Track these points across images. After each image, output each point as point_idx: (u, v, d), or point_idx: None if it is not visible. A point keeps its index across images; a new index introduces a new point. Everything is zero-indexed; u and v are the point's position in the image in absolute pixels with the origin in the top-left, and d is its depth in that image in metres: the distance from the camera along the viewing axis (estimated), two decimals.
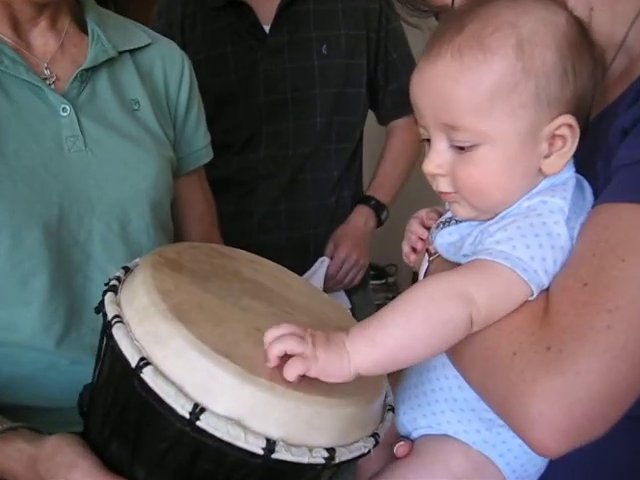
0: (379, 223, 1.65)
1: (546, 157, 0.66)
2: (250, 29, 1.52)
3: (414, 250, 0.85)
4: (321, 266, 1.57)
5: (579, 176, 0.68)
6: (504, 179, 0.66)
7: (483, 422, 0.73)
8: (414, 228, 0.84)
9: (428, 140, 0.70)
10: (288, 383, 0.59)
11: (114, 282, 0.70)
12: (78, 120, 0.94)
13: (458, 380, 0.72)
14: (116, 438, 0.67)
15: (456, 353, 0.67)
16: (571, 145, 0.65)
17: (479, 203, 0.68)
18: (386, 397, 0.72)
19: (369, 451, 0.65)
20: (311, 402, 0.60)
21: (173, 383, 0.58)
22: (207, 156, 1.19)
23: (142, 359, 0.59)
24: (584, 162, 0.68)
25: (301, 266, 1.57)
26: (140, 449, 0.64)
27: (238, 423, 0.58)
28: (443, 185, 0.69)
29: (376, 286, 2.79)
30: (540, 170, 0.66)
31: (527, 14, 0.64)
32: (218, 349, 0.59)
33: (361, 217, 1.63)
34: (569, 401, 0.56)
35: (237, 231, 1.40)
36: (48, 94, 0.93)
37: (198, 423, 0.57)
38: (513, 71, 0.63)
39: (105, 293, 0.68)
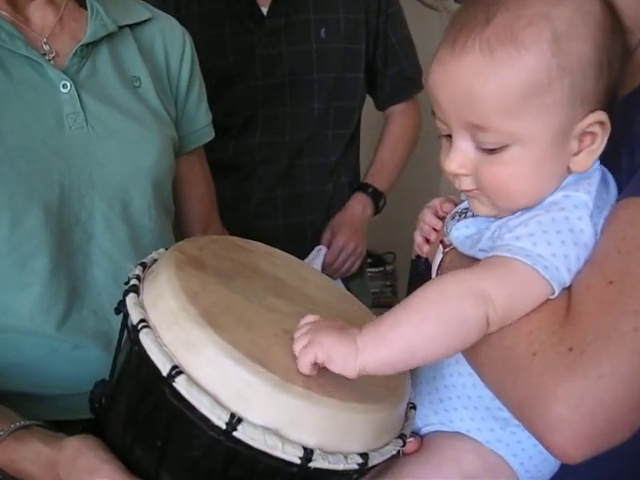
0: (376, 211, 1.64)
1: (575, 155, 0.63)
2: (247, 10, 1.49)
3: (427, 241, 0.82)
4: (318, 255, 1.55)
5: (604, 168, 0.66)
6: (533, 180, 0.63)
7: (497, 421, 0.71)
8: (427, 218, 0.81)
9: (447, 136, 0.66)
10: (323, 389, 0.58)
11: (134, 281, 0.67)
12: (79, 96, 0.92)
13: (472, 377, 0.70)
14: (140, 443, 0.65)
15: (472, 351, 0.65)
16: (601, 142, 0.62)
17: (504, 203, 0.65)
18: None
19: (398, 452, 0.65)
20: (346, 409, 0.59)
21: (207, 392, 0.57)
22: (208, 135, 1.17)
23: (174, 367, 0.58)
24: (605, 151, 0.65)
25: (298, 253, 1.55)
26: (168, 455, 0.62)
27: (275, 432, 0.57)
28: (466, 184, 0.66)
29: (374, 274, 2.79)
30: (568, 168, 0.63)
31: (561, 3, 0.60)
32: (252, 356, 0.58)
33: (358, 205, 1.61)
34: (591, 405, 0.54)
35: (234, 217, 1.38)
36: (48, 70, 0.91)
37: (235, 433, 0.56)
38: (548, 69, 0.59)
39: (127, 293, 0.66)
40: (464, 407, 0.74)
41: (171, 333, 0.60)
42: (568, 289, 0.61)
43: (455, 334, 0.60)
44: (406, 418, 0.68)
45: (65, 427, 0.87)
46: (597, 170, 0.65)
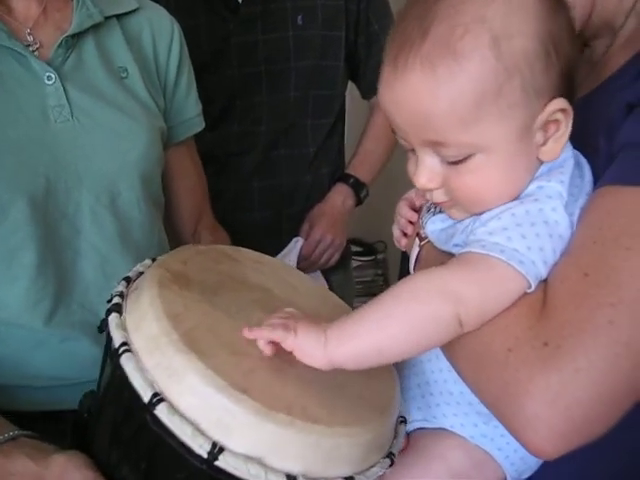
0: (358, 202, 1.61)
1: (542, 145, 0.62)
2: None
3: (405, 234, 0.81)
4: (295, 247, 1.53)
5: (577, 153, 0.65)
6: (504, 182, 0.62)
7: (481, 416, 0.71)
8: (403, 211, 0.81)
9: (413, 150, 0.65)
10: (306, 415, 0.58)
11: (117, 299, 0.66)
12: (64, 89, 0.90)
13: (453, 373, 0.69)
14: (126, 463, 0.64)
15: (448, 347, 0.64)
16: (566, 128, 0.61)
17: (477, 209, 0.64)
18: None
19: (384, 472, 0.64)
20: (330, 435, 0.58)
21: (189, 421, 0.56)
22: (198, 125, 1.16)
23: (155, 395, 0.57)
24: (583, 135, 0.65)
25: (275, 245, 1.54)
26: (153, 478, 0.61)
27: (258, 461, 0.56)
28: (438, 196, 0.65)
29: (365, 263, 2.81)
30: (538, 159, 0.63)
31: (493, 2, 0.58)
32: (235, 383, 0.57)
33: (339, 196, 1.58)
34: (567, 401, 0.54)
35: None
36: (32, 61, 0.89)
37: (217, 463, 0.55)
38: (495, 73, 0.57)
39: (109, 313, 0.65)
40: (446, 403, 0.73)
41: (153, 358, 0.59)
42: (544, 282, 0.60)
43: (422, 333, 0.60)
44: (395, 434, 0.67)
45: (54, 417, 0.89)
46: (570, 158, 0.64)
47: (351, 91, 1.66)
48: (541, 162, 0.63)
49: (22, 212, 0.85)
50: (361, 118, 1.68)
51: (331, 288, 1.60)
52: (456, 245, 0.65)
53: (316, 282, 0.90)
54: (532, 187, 0.62)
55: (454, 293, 0.59)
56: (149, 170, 0.99)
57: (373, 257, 2.85)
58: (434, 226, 0.70)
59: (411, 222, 0.80)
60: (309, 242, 1.54)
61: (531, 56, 0.58)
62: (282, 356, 0.63)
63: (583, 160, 0.65)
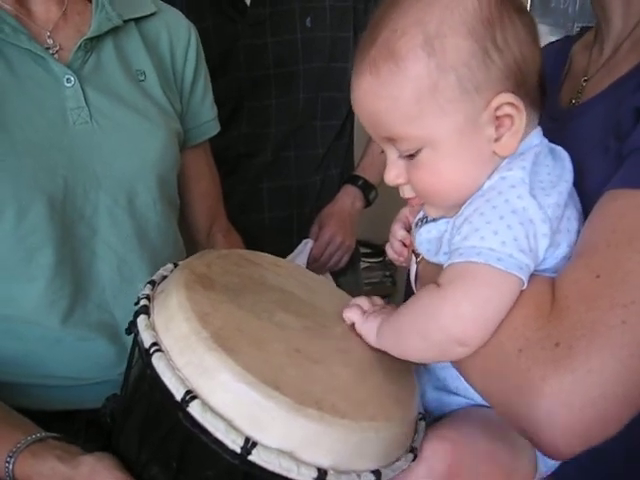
0: (367, 203, 1.61)
1: (497, 140, 0.64)
2: (231, 1, 1.46)
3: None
4: (304, 248, 1.53)
5: (553, 145, 0.67)
6: (455, 175, 0.65)
7: None
8: (397, 233, 0.82)
9: None
10: (335, 410, 0.59)
11: (144, 301, 0.67)
12: (83, 91, 0.92)
13: None
14: (155, 463, 0.65)
15: None
16: (520, 122, 0.63)
17: (440, 203, 0.68)
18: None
19: (408, 465, 0.65)
20: (358, 429, 0.59)
21: (222, 417, 0.57)
22: (214, 129, 1.17)
23: (188, 392, 0.57)
24: (593, 134, 0.67)
25: (285, 246, 1.55)
26: (183, 476, 0.62)
27: (290, 455, 0.57)
28: (407, 192, 0.69)
29: (373, 264, 2.81)
30: (495, 153, 0.64)
31: (431, 5, 0.62)
32: (266, 379, 0.58)
33: (348, 197, 1.58)
34: (580, 401, 0.54)
35: None
36: (51, 64, 0.90)
37: (250, 457, 0.56)
38: (428, 71, 0.61)
39: (137, 315, 0.66)
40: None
41: (184, 357, 0.60)
42: (552, 283, 0.61)
43: (431, 354, 0.65)
44: (416, 430, 0.68)
45: (70, 417, 0.91)
46: (534, 146, 0.65)
47: None
48: (500, 157, 0.65)
49: (41, 213, 0.86)
50: None
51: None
52: (446, 254, 0.66)
53: (330, 283, 0.91)
54: (495, 179, 0.64)
55: (443, 320, 0.61)
56: (166, 172, 1.00)
57: (382, 258, 2.84)
58: (421, 238, 0.72)
59: (404, 244, 0.82)
60: (319, 244, 1.55)
61: (466, 53, 0.61)
62: (308, 353, 0.64)
63: (564, 154, 0.67)
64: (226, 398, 0.57)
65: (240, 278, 0.75)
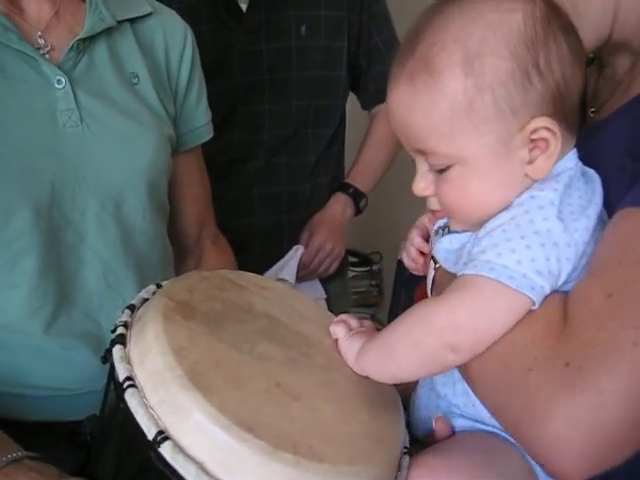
0: (357, 211, 1.63)
1: (530, 162, 0.63)
2: (227, 8, 1.46)
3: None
4: (295, 255, 1.54)
5: (586, 168, 0.66)
6: (483, 195, 0.64)
7: None
8: (415, 241, 0.81)
9: None
10: (312, 453, 0.57)
11: (121, 329, 0.66)
12: (74, 93, 0.90)
13: None
14: None
15: (466, 370, 0.65)
16: (555, 146, 0.62)
17: (465, 219, 0.67)
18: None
19: None
20: (336, 474, 0.58)
21: (194, 460, 0.55)
22: (207, 134, 1.15)
23: (160, 432, 0.56)
24: (610, 154, 0.66)
25: (274, 252, 1.55)
26: None
27: None
28: (433, 204, 0.69)
29: (360, 273, 2.84)
30: (527, 175, 0.63)
31: (474, 22, 0.61)
32: (240, 421, 0.56)
33: (338, 205, 1.60)
34: (590, 423, 0.53)
35: None
36: (42, 65, 0.88)
37: None
38: (464, 90, 0.60)
39: (113, 344, 0.64)
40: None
41: (157, 394, 0.59)
42: (563, 301, 0.60)
43: (420, 363, 0.64)
44: (400, 467, 0.67)
45: (52, 429, 0.89)
46: (569, 169, 0.64)
47: (350, 99, 1.67)
48: (533, 179, 0.64)
49: (26, 218, 0.84)
50: (360, 127, 1.70)
51: (328, 297, 1.61)
52: (465, 264, 0.65)
53: (321, 308, 0.89)
54: (525, 196, 0.63)
55: (437, 323, 0.61)
56: (156, 178, 0.98)
57: (368, 268, 2.89)
58: (442, 246, 0.71)
59: (422, 252, 0.80)
60: (309, 250, 1.56)
61: (504, 75, 0.60)
62: (288, 388, 0.63)
63: (595, 176, 0.66)
64: (198, 440, 0.56)
65: (223, 304, 0.73)
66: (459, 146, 0.62)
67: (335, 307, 1.63)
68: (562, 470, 0.55)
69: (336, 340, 0.74)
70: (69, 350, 0.90)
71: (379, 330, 0.72)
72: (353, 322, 0.76)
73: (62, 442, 0.89)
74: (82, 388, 0.91)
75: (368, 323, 0.76)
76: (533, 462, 0.66)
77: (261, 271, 1.53)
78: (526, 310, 0.59)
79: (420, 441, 0.74)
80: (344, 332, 0.73)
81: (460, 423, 0.72)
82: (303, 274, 1.56)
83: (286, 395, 0.62)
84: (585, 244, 0.61)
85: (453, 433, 0.72)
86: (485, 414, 0.68)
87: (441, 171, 0.65)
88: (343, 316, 0.77)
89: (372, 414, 0.67)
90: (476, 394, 0.65)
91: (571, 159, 0.65)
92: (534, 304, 0.59)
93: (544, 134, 0.61)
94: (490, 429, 0.69)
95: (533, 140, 0.62)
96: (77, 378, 0.91)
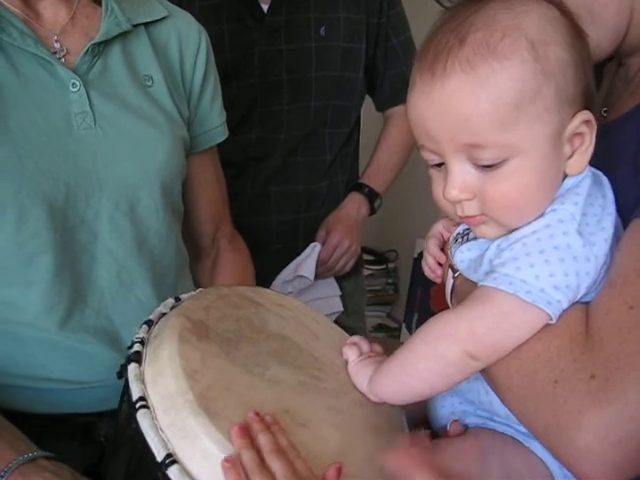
0: (372, 211, 1.64)
1: (569, 158, 0.63)
2: (248, 7, 1.46)
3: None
4: (312, 252, 1.56)
5: (597, 172, 0.66)
6: (540, 189, 0.62)
7: None
8: (432, 251, 0.80)
9: (438, 165, 0.66)
10: None
11: (137, 347, 0.68)
12: (88, 96, 0.91)
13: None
14: None
15: (492, 378, 0.66)
16: (590, 141, 0.63)
17: (512, 220, 0.64)
18: None
19: None
20: None
21: None
22: (222, 135, 1.15)
23: (168, 455, 0.59)
24: (622, 154, 0.66)
25: (290, 249, 1.57)
26: None
27: None
28: (469, 209, 0.65)
29: (376, 272, 2.82)
30: (563, 172, 0.64)
31: (527, 13, 0.61)
32: None
33: (354, 204, 1.61)
34: (619, 434, 0.54)
35: None
36: (57, 68, 0.89)
37: None
38: (534, 74, 0.59)
39: (129, 361, 0.67)
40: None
41: (168, 417, 0.61)
42: (585, 313, 0.61)
43: (440, 373, 0.64)
44: None
45: (67, 422, 0.91)
46: (587, 177, 0.64)
47: (366, 100, 1.68)
48: (565, 176, 0.64)
49: (41, 218, 0.86)
50: (375, 127, 1.71)
51: (343, 294, 1.63)
52: (485, 272, 0.66)
53: (334, 327, 0.88)
54: (547, 209, 0.63)
55: (458, 333, 0.62)
56: (170, 179, 0.99)
57: (384, 266, 2.86)
58: (462, 255, 0.71)
59: (439, 263, 0.80)
60: (326, 247, 1.58)
61: (564, 64, 0.61)
62: (296, 415, 0.65)
63: (604, 179, 0.66)
64: (205, 466, 0.58)
65: (238, 324, 0.75)
66: (521, 135, 0.60)
67: (351, 305, 1.66)
68: (593, 479, 0.56)
69: (346, 361, 0.77)
70: (84, 344, 0.91)
71: (388, 355, 0.73)
72: (364, 345, 0.78)
73: (77, 435, 0.92)
74: (97, 381, 0.92)
75: (378, 348, 0.78)
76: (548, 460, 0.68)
77: (278, 268, 1.56)
78: (543, 324, 0.61)
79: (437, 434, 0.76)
80: (355, 355, 0.76)
81: (473, 420, 0.74)
82: (321, 271, 1.58)
83: (293, 422, 0.64)
84: (605, 256, 0.62)
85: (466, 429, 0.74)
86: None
87: (489, 167, 0.62)
88: (355, 338, 0.80)
89: (378, 442, 0.69)
90: (504, 403, 0.66)
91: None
92: (551, 318, 0.60)
93: (584, 128, 0.62)
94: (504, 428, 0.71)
95: (573, 134, 0.62)
96: (92, 372, 0.93)
